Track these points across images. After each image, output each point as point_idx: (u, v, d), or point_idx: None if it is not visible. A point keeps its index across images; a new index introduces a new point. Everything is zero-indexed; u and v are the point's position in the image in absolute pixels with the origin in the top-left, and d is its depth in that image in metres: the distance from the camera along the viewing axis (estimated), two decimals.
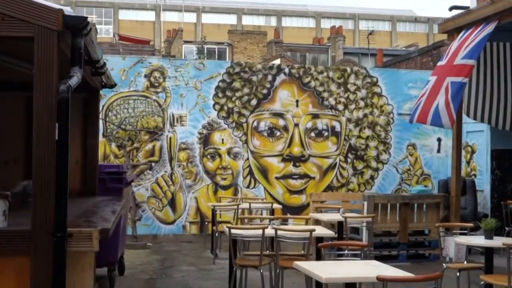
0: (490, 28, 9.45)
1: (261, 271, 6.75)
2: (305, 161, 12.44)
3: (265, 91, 12.47)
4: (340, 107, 12.75)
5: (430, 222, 9.97)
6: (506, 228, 10.21)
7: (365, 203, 9.95)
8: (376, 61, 31.62)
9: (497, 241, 6.48)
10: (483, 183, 11.81)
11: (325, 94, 12.71)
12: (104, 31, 50.11)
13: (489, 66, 10.91)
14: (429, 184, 12.72)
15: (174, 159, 11.98)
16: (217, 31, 45.50)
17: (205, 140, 12.20)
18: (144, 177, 11.80)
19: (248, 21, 52.99)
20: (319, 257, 6.49)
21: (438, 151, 13.14)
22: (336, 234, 8.47)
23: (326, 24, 51.88)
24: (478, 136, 12.10)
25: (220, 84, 12.36)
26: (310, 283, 6.52)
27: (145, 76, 12.06)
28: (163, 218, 11.79)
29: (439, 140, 12.96)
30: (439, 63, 10.26)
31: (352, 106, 12.82)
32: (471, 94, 10.85)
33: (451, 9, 12.05)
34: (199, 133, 12.18)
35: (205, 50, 32.89)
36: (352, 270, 4.96)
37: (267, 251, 7.63)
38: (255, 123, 12.40)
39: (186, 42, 36.04)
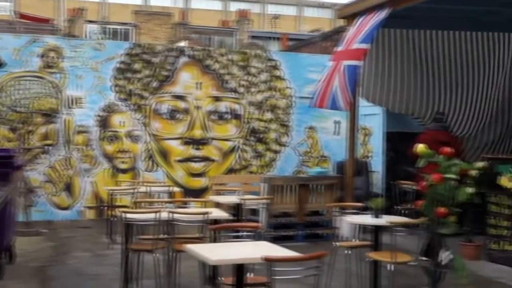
0: (384, 14, 9.76)
1: (156, 255, 6.71)
2: (206, 144, 12.44)
3: (166, 73, 12.35)
4: (242, 90, 12.80)
5: (326, 202, 10.21)
6: (396, 206, 10.62)
7: (263, 185, 10.09)
8: (281, 45, 31.97)
9: (384, 220, 6.71)
10: (377, 164, 12.23)
11: (227, 77, 12.74)
12: (3, 9, 47.76)
13: (385, 52, 11.26)
14: (327, 165, 13.01)
15: (70, 142, 11.67)
16: (123, 11, 44.40)
17: (104, 123, 11.95)
18: (39, 161, 11.43)
19: (155, 1, 52.01)
20: (215, 240, 6.53)
21: (337, 133, 13.46)
22: (234, 216, 8.53)
23: (233, 7, 51.77)
24: (374, 119, 12.49)
25: (120, 65, 12.13)
26: (204, 266, 6.53)
27: (40, 56, 11.64)
28: (58, 204, 11.50)
29: (337, 122, 13.29)
30: (337, 49, 10.53)
31: (254, 89, 12.90)
32: (368, 78, 11.17)
33: None
34: (97, 116, 11.91)
35: (109, 30, 32.13)
36: (241, 252, 5.00)
37: (165, 235, 7.57)
38: (156, 106, 12.26)
39: (88, 21, 34.95)
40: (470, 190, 8.73)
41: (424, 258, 6.18)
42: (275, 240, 8.19)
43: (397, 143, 12.08)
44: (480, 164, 8.90)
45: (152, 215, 6.69)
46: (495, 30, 11.62)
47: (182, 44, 24.21)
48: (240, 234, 6.41)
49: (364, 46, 9.73)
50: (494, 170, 8.69)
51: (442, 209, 5.12)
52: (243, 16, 39.15)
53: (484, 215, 8.92)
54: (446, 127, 10.33)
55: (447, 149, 5.26)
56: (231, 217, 7.96)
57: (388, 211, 9.49)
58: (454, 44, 11.58)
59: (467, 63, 11.58)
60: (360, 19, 10.35)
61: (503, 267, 8.32)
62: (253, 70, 12.98)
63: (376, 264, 6.72)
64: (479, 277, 7.72)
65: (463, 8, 10.40)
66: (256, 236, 5.86)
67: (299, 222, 10.22)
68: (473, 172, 8.76)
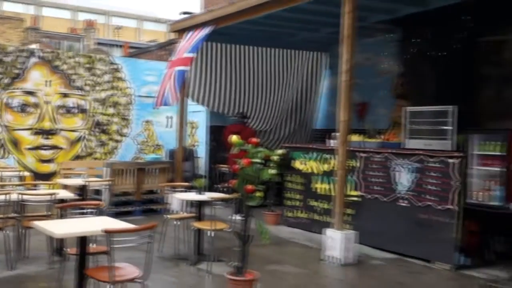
0: (208, 30, 9.85)
1: (6, 232, 6.20)
2: (55, 134, 11.66)
3: (17, 71, 11.34)
4: (87, 88, 12.18)
5: (159, 183, 10.11)
6: (216, 185, 10.84)
7: (106, 169, 9.73)
8: (123, 52, 30.98)
9: (206, 196, 6.79)
10: (202, 152, 12.36)
11: (74, 77, 12.03)
12: None
13: (208, 61, 11.37)
14: (161, 152, 12.86)
15: None
16: None
17: None
18: None
19: (8, 7, 47.67)
20: (61, 217, 6.15)
21: (170, 126, 13.36)
22: (80, 196, 8.12)
23: (81, 17, 49.12)
24: (199, 115, 12.59)
25: None
26: (51, 240, 6.15)
27: None
28: None
29: (169, 117, 13.15)
30: (171, 58, 10.45)
31: (98, 88, 12.34)
32: (193, 82, 11.23)
33: (181, 13, 12.33)
34: None
35: None
36: (84, 226, 4.76)
37: (15, 214, 6.99)
38: (7, 100, 11.24)
39: None
40: (272, 171, 9.16)
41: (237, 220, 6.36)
42: (117, 215, 7.95)
43: (218, 134, 12.28)
44: (279, 151, 9.31)
45: (2, 197, 6.14)
46: (292, 48, 12.24)
47: (33, 46, 22.43)
48: (84, 211, 6.11)
49: (191, 55, 9.77)
50: (290, 156, 9.17)
51: (250, 186, 5.27)
52: (90, 25, 37.31)
53: (283, 191, 9.39)
54: (240, 121, 10.68)
55: (254, 139, 5.43)
56: (77, 197, 7.59)
57: (210, 189, 9.65)
58: (261, 57, 12.02)
59: (269, 72, 12.08)
60: (189, 34, 10.35)
61: (296, 230, 8.83)
62: (97, 72, 12.40)
63: (199, 232, 6.78)
64: (279, 238, 8.12)
65: (268, 29, 10.83)
66: (99, 212, 5.63)
67: (137, 199, 10.03)
68: (275, 157, 9.18)
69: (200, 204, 6.87)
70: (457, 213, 6.55)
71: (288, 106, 12.37)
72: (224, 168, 11.16)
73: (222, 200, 6.73)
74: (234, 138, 5.44)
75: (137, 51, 22.17)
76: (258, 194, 5.43)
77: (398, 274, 6.42)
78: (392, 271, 6.55)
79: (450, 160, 6.64)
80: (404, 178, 7.19)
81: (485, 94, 9.43)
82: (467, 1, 8.42)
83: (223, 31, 10.59)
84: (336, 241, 6.81)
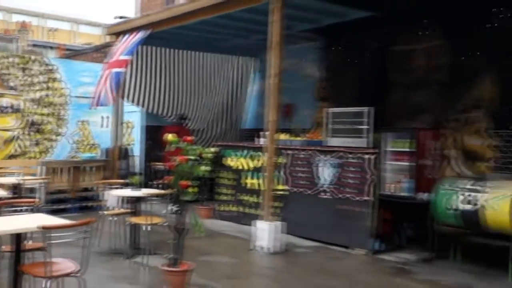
0: (144, 34, 9.68)
1: None
2: None
3: None
4: (22, 88, 11.60)
5: (95, 180, 9.81)
6: (151, 182, 10.66)
7: (40, 167, 9.31)
8: (58, 53, 29.74)
9: (141, 192, 6.66)
10: (138, 151, 12.11)
11: (8, 77, 11.43)
12: None
13: (143, 64, 11.17)
14: (96, 151, 12.47)
15: None
16: None
17: None
18: None
19: None
20: None
21: (106, 126, 12.99)
22: (15, 195, 7.72)
23: (15, 18, 46.64)
24: (135, 115, 12.32)
25: None
26: None
27: None
28: None
29: (105, 117, 12.77)
30: (107, 60, 10.16)
31: (33, 88, 11.79)
32: (129, 83, 10.99)
33: (116, 17, 12.02)
34: None
35: None
36: (18, 223, 4.53)
37: None
38: None
39: None
40: (205, 168, 9.14)
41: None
42: (52, 213, 7.55)
43: (153, 133, 12.10)
44: (212, 149, 9.36)
45: None
46: (224, 53, 12.26)
47: None
48: (19, 209, 5.82)
49: (127, 57, 9.56)
50: (222, 154, 9.18)
51: (184, 182, 5.23)
52: (24, 26, 35.53)
53: (215, 186, 9.38)
54: (178, 122, 10.86)
55: (189, 138, 5.39)
56: (11, 195, 7.21)
57: (146, 186, 9.46)
58: (195, 61, 11.95)
59: (202, 76, 12.03)
60: (125, 37, 10.12)
61: (228, 223, 8.84)
62: (32, 72, 11.84)
63: (135, 226, 6.65)
64: (211, 231, 8.10)
65: (201, 35, 10.78)
66: (34, 210, 5.38)
67: (72, 197, 9.66)
68: (208, 155, 9.17)
69: (136, 200, 6.73)
70: (373, 204, 6.82)
71: (220, 108, 12.38)
72: (159, 166, 10.99)
73: (158, 195, 6.64)
74: (169, 136, 5.37)
75: (73, 53, 21.37)
76: (192, 189, 5.41)
77: (321, 260, 6.60)
78: (315, 258, 6.72)
79: (366, 156, 6.90)
80: (326, 173, 7.39)
81: (395, 97, 9.87)
82: (379, 14, 8.78)
83: (159, 35, 10.43)
84: (264, 232, 6.89)
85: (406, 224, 7.30)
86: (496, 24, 8.18)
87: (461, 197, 5.82)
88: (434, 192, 6.12)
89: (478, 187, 5.78)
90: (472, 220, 5.77)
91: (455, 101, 8.75)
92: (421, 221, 7.45)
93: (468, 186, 5.86)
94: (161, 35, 10.40)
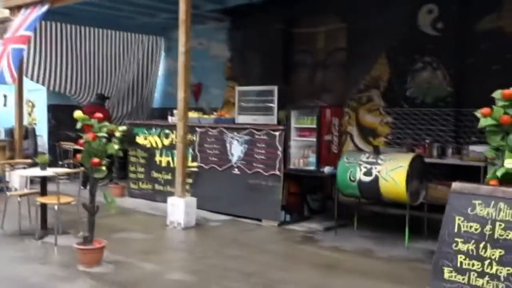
0: (44, 9, 9.06)
1: None
2: None
3: None
4: None
5: None
6: (59, 162, 10.14)
7: None
8: None
9: (50, 171, 6.32)
10: (42, 130, 11.40)
11: None
12: None
13: (47, 40, 10.50)
14: None
15: None
16: None
17: None
18: None
19: None
20: None
21: (5, 105, 12.10)
22: None
23: None
24: (38, 94, 11.54)
25: None
26: None
27: None
28: None
29: (5, 96, 11.88)
30: (5, 35, 9.39)
31: None
32: (30, 60, 10.30)
33: None
34: None
35: None
36: None
37: None
38: None
39: None
40: (116, 146, 8.84)
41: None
42: None
43: (59, 113, 11.46)
44: (123, 127, 9.04)
45: None
46: (131, 31, 11.84)
47: None
48: None
49: (27, 33, 8.89)
50: (133, 132, 8.93)
51: (96, 160, 5.04)
52: None
53: (127, 164, 9.13)
54: (97, 102, 10.28)
55: (99, 115, 5.18)
56: None
57: (54, 165, 8.95)
58: (101, 38, 11.44)
59: (109, 53, 11.56)
60: (24, 11, 9.40)
61: (141, 200, 8.65)
62: None
63: (44, 207, 6.31)
64: (124, 208, 7.88)
65: (107, 11, 10.31)
66: None
67: None
68: (118, 133, 8.87)
69: (43, 180, 6.37)
70: (282, 178, 7.02)
71: (127, 86, 11.99)
72: (67, 145, 10.48)
73: (67, 175, 6.33)
74: (77, 113, 5.12)
75: None
76: (103, 167, 5.23)
77: (233, 232, 6.71)
78: (228, 230, 6.82)
79: (275, 133, 7.07)
80: (237, 150, 7.47)
81: (299, 77, 10.18)
82: None
83: (62, 11, 9.82)
84: (177, 208, 6.86)
85: (310, 196, 7.61)
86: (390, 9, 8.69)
87: (362, 170, 6.17)
88: (338, 165, 6.43)
89: (375, 160, 6.17)
90: (371, 190, 6.14)
91: (354, 81, 9.22)
92: (323, 193, 7.85)
93: (368, 159, 6.22)
94: (64, 11, 9.81)
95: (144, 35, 12.11)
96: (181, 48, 6.91)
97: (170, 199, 7.02)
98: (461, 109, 8.10)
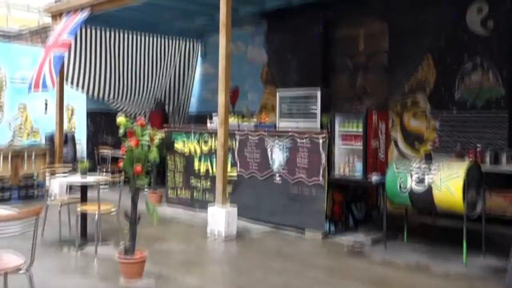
0: (85, 14, 8.91)
1: None
2: None
3: None
4: None
5: (38, 168, 9.03)
6: (98, 168, 10.00)
7: None
8: None
9: (90, 178, 6.09)
10: (81, 136, 11.31)
11: None
12: None
13: (87, 46, 10.41)
14: (38, 137, 11.53)
15: None
16: None
17: None
18: None
19: None
20: None
21: (46, 110, 12.07)
22: None
23: None
24: (78, 100, 11.47)
25: None
26: None
27: None
28: None
29: (46, 101, 11.84)
30: (48, 42, 9.30)
31: None
32: (70, 66, 10.19)
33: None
34: None
35: None
36: None
37: None
38: None
39: None
40: (156, 152, 8.61)
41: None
42: None
43: (97, 119, 11.37)
44: (162, 133, 8.82)
45: None
46: (169, 35, 11.66)
47: None
48: None
49: (68, 39, 8.74)
50: (172, 138, 8.66)
51: (138, 167, 4.75)
52: None
53: (165, 171, 8.87)
54: (159, 109, 10.97)
55: (141, 121, 4.89)
56: None
57: (93, 171, 8.79)
58: (140, 44, 11.29)
59: (147, 58, 11.40)
60: (66, 17, 9.28)
61: (178, 208, 8.37)
62: None
63: (84, 215, 6.08)
64: (163, 217, 7.55)
65: (145, 17, 10.14)
66: None
67: (14, 185, 8.82)
68: (157, 139, 8.63)
69: (83, 187, 6.14)
70: (326, 186, 6.61)
71: (165, 91, 11.80)
72: (105, 151, 10.34)
73: (108, 182, 6.08)
74: (120, 118, 4.84)
75: (8, 36, 19.77)
76: (145, 174, 4.95)
77: (276, 244, 6.33)
78: (270, 241, 6.44)
79: (318, 139, 6.66)
80: (279, 156, 7.10)
81: (339, 80, 9.73)
82: (322, 1, 8.52)
83: (101, 17, 9.68)
84: (218, 217, 6.52)
85: (355, 206, 7.16)
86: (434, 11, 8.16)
87: (414, 178, 5.70)
88: (387, 173, 5.97)
89: (428, 168, 5.69)
90: (424, 200, 5.67)
91: (398, 84, 8.72)
92: (368, 202, 7.38)
93: (419, 167, 5.75)
94: (103, 16, 9.65)
95: (181, 39, 11.91)
96: (222, 51, 6.59)
97: (210, 208, 6.69)
98: None
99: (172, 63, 11.78)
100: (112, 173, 9.85)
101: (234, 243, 6.34)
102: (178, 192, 8.52)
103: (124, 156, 4.83)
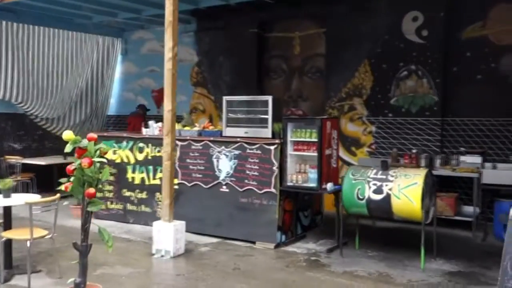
0: None
1: None
2: None
3: None
4: None
5: None
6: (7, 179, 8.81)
7: None
8: None
9: (17, 200, 5.23)
10: None
11: None
12: None
13: None
14: None
15: None
16: None
17: None
18: None
19: None
20: None
21: None
22: None
23: None
24: None
25: None
26: None
27: None
28: None
29: None
30: None
31: None
32: None
33: None
34: None
35: None
36: None
37: None
38: None
39: None
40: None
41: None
42: None
43: (2, 124, 10.06)
44: (84, 141, 7.97)
45: None
46: (85, 31, 10.64)
47: None
48: None
49: None
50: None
51: (91, 190, 4.11)
52: None
53: None
54: (138, 113, 10.31)
55: (92, 135, 4.22)
56: None
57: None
58: (53, 39, 10.17)
59: (62, 56, 10.32)
60: None
61: (109, 222, 7.57)
62: None
63: (9, 242, 5.21)
64: (95, 234, 6.77)
65: (61, 8, 9.12)
66: None
67: None
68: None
69: (7, 210, 5.26)
70: (278, 196, 6.36)
71: (80, 92, 10.77)
72: (13, 160, 9.17)
73: (44, 203, 5.25)
74: (68, 134, 4.15)
75: None
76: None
77: (229, 258, 5.93)
78: (222, 256, 6.02)
79: (270, 147, 6.39)
80: (224, 165, 6.71)
81: (275, 84, 9.56)
82: (257, 1, 8.25)
83: (7, 7, 8.56)
84: (165, 234, 5.98)
85: (302, 213, 7.01)
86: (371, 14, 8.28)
87: (371, 187, 5.64)
88: (343, 182, 5.86)
89: (385, 176, 5.67)
90: (382, 209, 5.64)
91: (335, 88, 8.73)
92: (313, 209, 7.27)
93: (376, 176, 5.71)
94: (8, 7, 8.54)
95: (99, 36, 10.95)
96: (168, 53, 6.04)
97: (155, 224, 6.12)
98: (447, 118, 7.85)
99: (89, 62, 10.80)
100: (25, 183, 8.80)
101: (184, 261, 5.85)
102: (108, 205, 7.76)
103: (71, 177, 4.15)
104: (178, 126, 7.36)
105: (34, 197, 5.37)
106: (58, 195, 5.08)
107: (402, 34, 8.10)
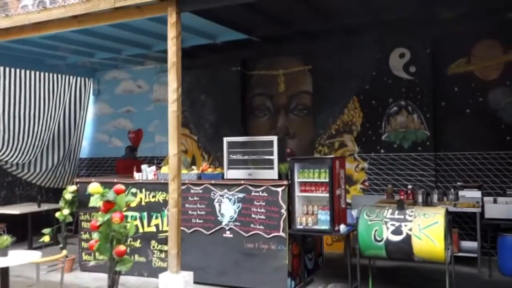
0: None
1: None
2: None
3: None
4: None
5: None
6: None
7: None
8: None
9: (17, 259, 4.66)
10: None
11: None
12: None
13: None
14: None
15: None
16: None
17: None
18: None
19: None
20: None
21: None
22: None
23: None
24: None
25: None
26: None
27: None
28: None
29: None
30: None
31: None
32: None
33: None
34: None
35: None
36: None
37: None
38: None
39: None
40: (67, 211, 7.17)
41: None
42: None
43: None
44: (71, 187, 7.42)
45: None
46: (56, 72, 10.10)
47: None
48: None
49: None
50: (85, 192, 7.29)
51: (121, 248, 3.71)
52: None
53: (78, 231, 7.44)
54: (130, 156, 9.95)
55: (120, 187, 3.83)
56: None
57: None
58: (24, 81, 9.56)
59: (33, 98, 9.70)
60: None
61: (98, 274, 7.00)
62: None
63: None
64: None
65: (32, 49, 8.60)
66: None
67: None
68: (68, 195, 7.23)
69: (4, 271, 4.67)
70: (287, 240, 6.07)
71: (52, 134, 10.13)
72: None
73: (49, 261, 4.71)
74: (93, 187, 3.74)
75: None
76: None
77: None
78: None
79: (277, 188, 6.13)
80: (227, 209, 6.37)
81: (260, 122, 9.38)
82: (240, 39, 8.14)
83: None
84: (173, 287, 5.52)
85: (307, 256, 6.74)
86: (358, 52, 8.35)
87: (389, 228, 5.48)
88: (359, 224, 5.67)
89: (403, 216, 5.53)
90: (402, 250, 5.46)
91: (324, 126, 8.65)
92: (316, 251, 7.01)
93: (393, 216, 5.56)
94: None
95: (71, 77, 10.41)
96: (172, 95, 5.71)
97: (162, 276, 5.64)
98: (439, 152, 7.92)
99: (61, 103, 10.21)
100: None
101: None
102: (97, 255, 7.15)
103: (96, 233, 3.73)
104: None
105: (36, 255, 4.80)
106: (64, 252, 4.58)
107: (390, 70, 8.19)
